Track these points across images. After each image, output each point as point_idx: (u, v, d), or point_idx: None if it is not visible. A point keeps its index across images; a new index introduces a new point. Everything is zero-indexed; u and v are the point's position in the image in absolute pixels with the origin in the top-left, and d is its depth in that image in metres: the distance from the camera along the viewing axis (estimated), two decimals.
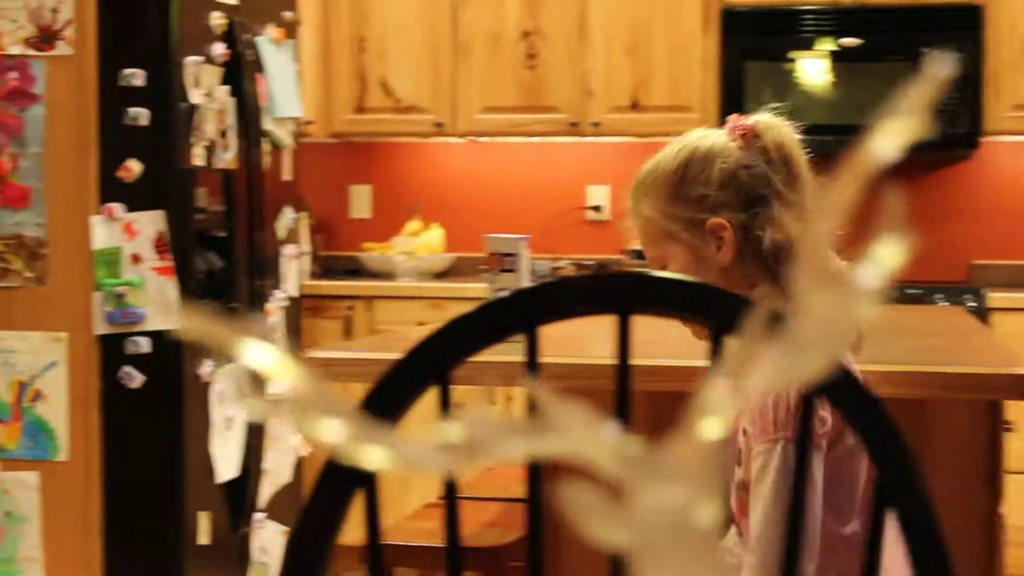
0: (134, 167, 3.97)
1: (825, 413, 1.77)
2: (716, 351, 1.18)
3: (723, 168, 1.98)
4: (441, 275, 5.68)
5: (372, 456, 0.58)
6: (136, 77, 3.96)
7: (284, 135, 4.68)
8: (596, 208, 5.83)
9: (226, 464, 4.26)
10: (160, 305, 3.99)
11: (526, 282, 2.45)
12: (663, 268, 1.96)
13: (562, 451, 0.56)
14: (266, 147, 4.49)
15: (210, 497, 4.20)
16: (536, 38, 5.46)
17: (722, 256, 1.95)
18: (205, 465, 4.16)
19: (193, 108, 4.05)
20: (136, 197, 3.95)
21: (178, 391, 4.04)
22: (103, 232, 3.99)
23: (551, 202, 5.80)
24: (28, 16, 3.98)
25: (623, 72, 5.41)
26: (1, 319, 4.04)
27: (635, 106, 5.42)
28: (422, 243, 5.66)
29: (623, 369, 1.17)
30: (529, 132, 5.56)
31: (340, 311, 5.25)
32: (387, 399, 1.15)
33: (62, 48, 3.97)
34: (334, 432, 0.59)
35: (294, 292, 4.84)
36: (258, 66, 4.43)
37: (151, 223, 3.97)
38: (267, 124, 4.50)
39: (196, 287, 4.09)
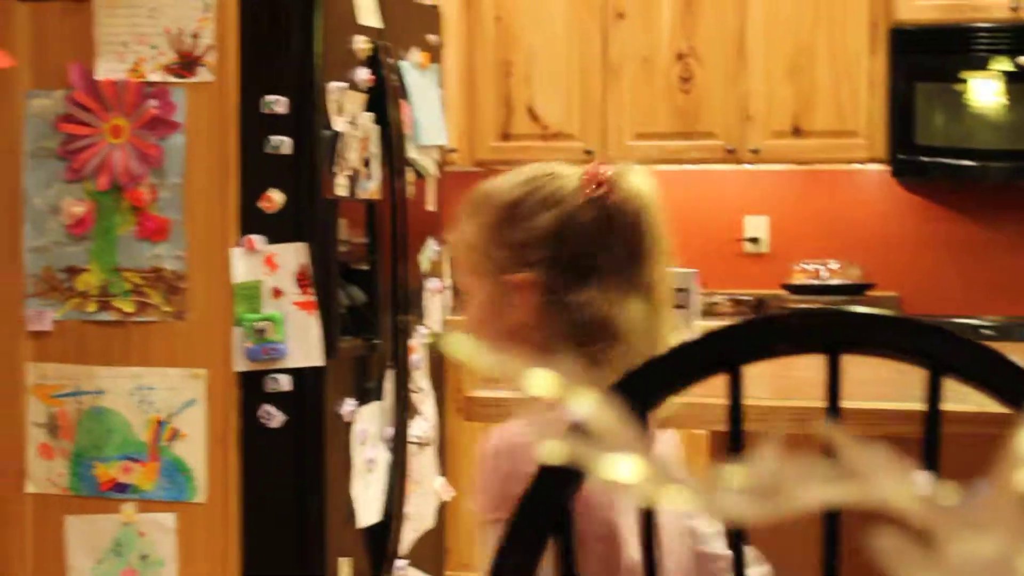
0: (276, 197, 3.97)
1: None
2: (934, 393, 1.12)
3: (556, 219, 1.86)
4: None
5: (671, 498, 0.58)
6: (278, 104, 3.98)
7: (428, 164, 4.67)
8: (754, 240, 5.74)
9: (367, 508, 4.25)
10: (301, 341, 3.99)
11: (697, 318, 2.39)
12: (468, 296, 1.85)
13: (866, 498, 0.56)
14: (410, 176, 4.48)
15: (351, 542, 4.19)
16: (691, 60, 5.40)
17: (518, 315, 1.82)
18: (346, 509, 4.15)
19: (336, 136, 4.05)
20: (277, 229, 3.95)
21: (319, 431, 4.03)
22: (243, 265, 4.00)
23: (706, 233, 5.72)
24: (168, 42, 4.02)
25: (784, 96, 5.32)
26: (139, 355, 4.08)
27: (797, 131, 5.33)
28: None
29: (833, 411, 1.11)
30: (683, 160, 5.50)
31: None
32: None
33: (203, 75, 4.01)
34: (627, 471, 0.58)
35: (438, 327, 4.82)
36: (402, 92, 4.42)
37: (293, 256, 3.98)
38: (411, 152, 4.49)
39: (338, 322, 4.08)
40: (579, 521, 1.49)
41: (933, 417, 1.16)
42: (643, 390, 1.13)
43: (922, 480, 0.54)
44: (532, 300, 1.83)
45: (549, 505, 1.16)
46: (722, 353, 1.12)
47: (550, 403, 1.37)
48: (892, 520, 0.55)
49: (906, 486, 0.55)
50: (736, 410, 1.13)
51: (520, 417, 1.74)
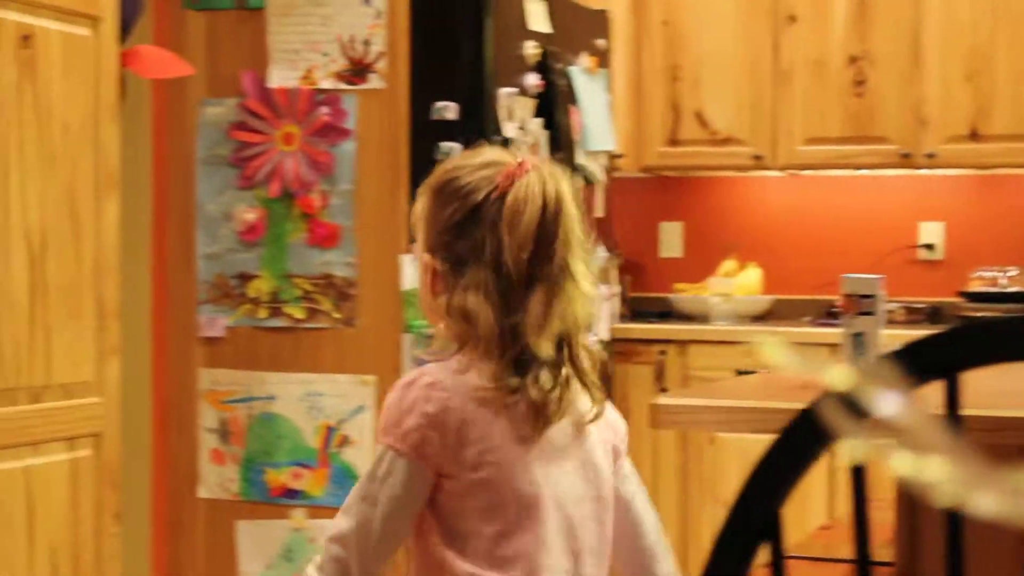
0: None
1: (433, 433, 1.91)
2: None
3: (460, 211, 1.98)
4: (759, 318, 5.59)
5: (982, 502, 0.57)
6: (448, 110, 4.02)
7: (596, 169, 4.69)
8: (929, 247, 5.65)
9: None
10: None
11: (882, 326, 2.36)
12: None
13: None
14: (578, 182, 4.50)
15: None
16: (864, 64, 5.34)
17: (426, 290, 2.02)
18: None
19: (506, 142, 4.08)
20: None
21: None
22: (413, 271, 4.05)
23: (879, 240, 5.65)
24: (340, 49, 4.09)
25: (962, 99, 5.23)
26: (308, 361, 4.15)
27: (975, 136, 5.23)
28: (738, 284, 5.59)
29: None
30: (856, 164, 5.43)
31: (651, 356, 5.21)
32: (791, 452, 1.11)
33: (374, 81, 4.07)
34: (938, 472, 0.57)
35: (605, 336, 4.83)
36: (571, 97, 4.44)
37: None
38: (579, 158, 4.51)
39: None
40: (452, 454, 1.91)
41: None
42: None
43: None
44: (432, 283, 2.01)
45: (760, 511, 1.17)
46: (937, 360, 1.10)
47: (461, 368, 1.73)
48: None
49: None
50: (955, 421, 1.11)
51: (437, 365, 1.97)
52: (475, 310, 1.92)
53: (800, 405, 1.17)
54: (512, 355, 1.94)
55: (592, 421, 2.02)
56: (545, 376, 1.95)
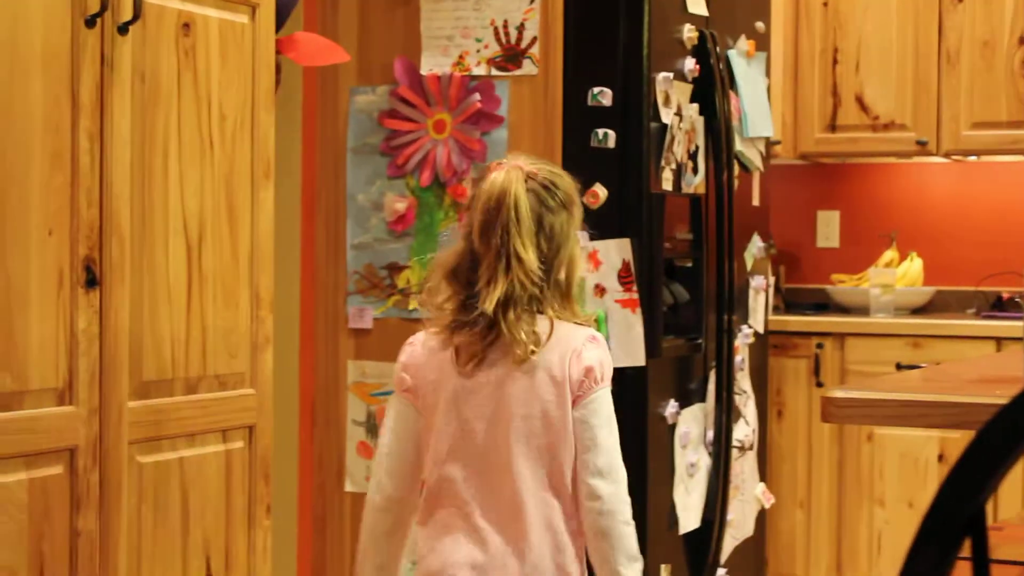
0: (600, 192, 4.04)
1: (405, 375, 2.71)
2: None
3: (471, 194, 2.80)
4: (920, 310, 5.54)
5: None
6: (604, 96, 4.04)
7: (754, 156, 4.68)
8: None
9: (689, 514, 4.28)
10: (624, 340, 4.03)
11: None
12: None
13: None
14: (735, 170, 4.50)
15: (671, 548, 4.22)
16: None
17: None
18: (667, 514, 4.19)
19: (663, 128, 4.09)
20: (601, 224, 4.01)
21: (641, 432, 4.07)
22: None
23: None
24: (493, 35, 4.13)
25: None
26: None
27: None
28: (900, 275, 5.55)
29: None
30: None
31: (808, 349, 5.19)
32: (997, 448, 1.12)
33: (527, 67, 4.10)
34: None
35: (760, 328, 4.83)
36: (729, 82, 4.44)
37: (617, 252, 4.04)
38: (737, 145, 4.51)
39: (661, 321, 4.12)
40: (416, 388, 2.68)
41: None
42: None
43: None
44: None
45: (962, 508, 1.18)
46: None
47: (439, 331, 2.62)
48: None
49: None
50: None
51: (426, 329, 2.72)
52: (436, 273, 2.71)
53: (988, 399, 1.18)
54: (462, 312, 2.63)
55: (512, 363, 2.60)
56: (477, 330, 2.61)
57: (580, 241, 2.76)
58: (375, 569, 2.74)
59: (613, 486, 2.59)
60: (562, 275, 2.65)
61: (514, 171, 2.62)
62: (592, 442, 2.60)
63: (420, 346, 2.69)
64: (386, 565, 2.74)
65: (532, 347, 2.57)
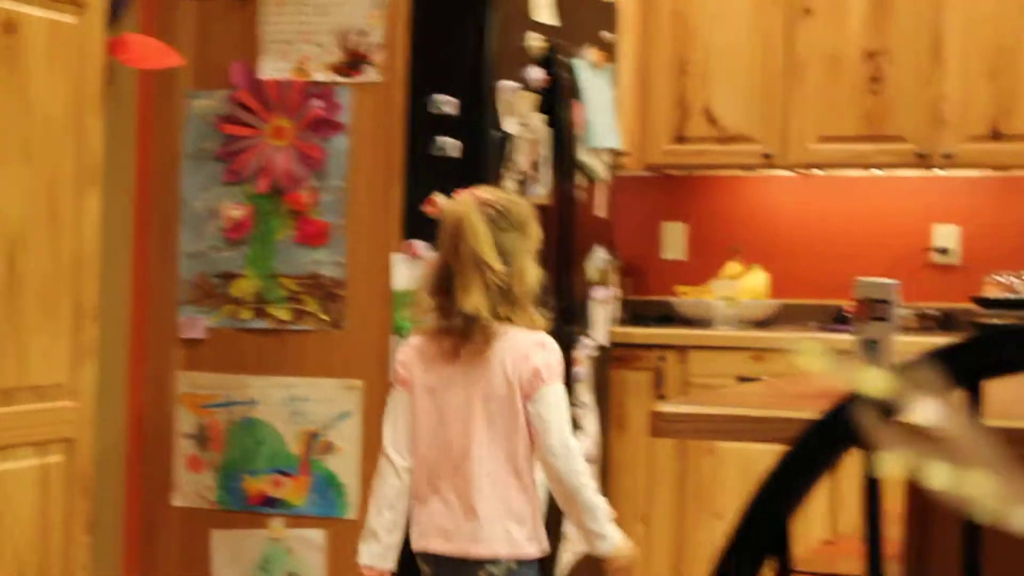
0: (441, 201, 4.03)
1: (400, 368, 3.25)
2: None
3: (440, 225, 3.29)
4: (763, 323, 5.62)
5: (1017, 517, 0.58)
6: (447, 104, 4.03)
7: (599, 167, 4.70)
8: (943, 251, 5.69)
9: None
10: None
11: (897, 331, 2.38)
12: None
13: None
14: (579, 180, 4.52)
15: None
16: (882, 60, 5.36)
17: None
18: None
19: (506, 138, 4.10)
20: None
21: None
22: (404, 272, 4.07)
23: (892, 243, 5.68)
24: (335, 40, 4.10)
25: (982, 97, 5.26)
26: (293, 364, 4.17)
27: (995, 135, 5.26)
28: (743, 287, 5.62)
29: None
30: (870, 164, 5.46)
31: (651, 362, 5.23)
32: (805, 462, 1.13)
33: (370, 74, 4.08)
34: (979, 486, 0.58)
35: (603, 340, 4.85)
36: (575, 92, 4.46)
37: None
38: (582, 155, 4.53)
39: None
40: (407, 381, 3.21)
41: None
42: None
43: None
44: None
45: (767, 525, 1.19)
46: (958, 369, 1.13)
47: (426, 334, 3.22)
48: None
49: None
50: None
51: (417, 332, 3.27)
52: (420, 288, 3.30)
53: (808, 414, 1.19)
54: (441, 319, 3.16)
55: (478, 361, 3.15)
56: (455, 332, 3.14)
57: (533, 259, 3.26)
58: (389, 527, 3.24)
59: (564, 461, 3.13)
60: (515, 286, 3.15)
61: (468, 197, 3.18)
62: (544, 429, 3.12)
63: (412, 346, 3.25)
64: (398, 523, 3.24)
65: (486, 345, 3.13)
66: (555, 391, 3.16)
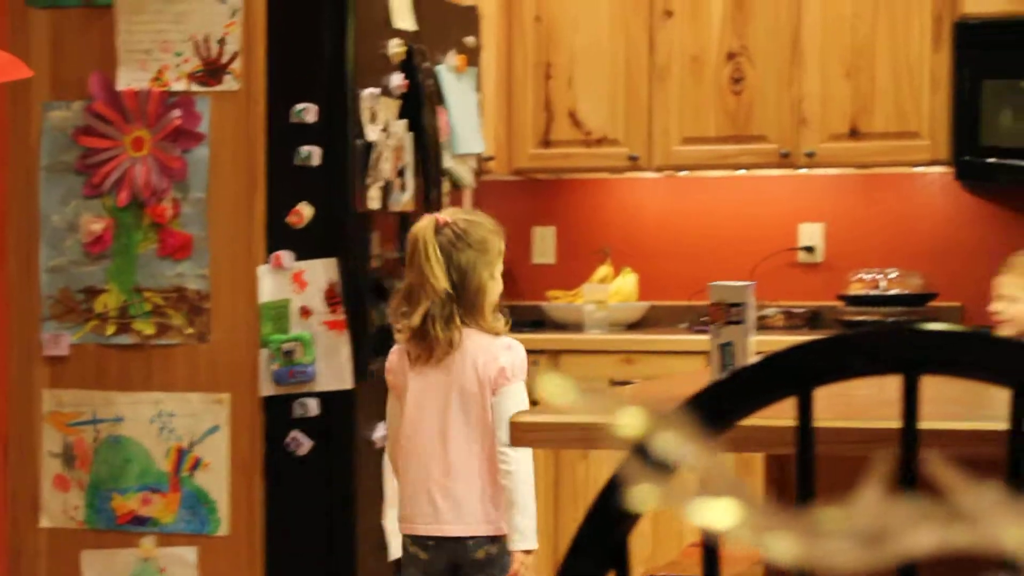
0: (305, 211, 4.04)
1: (389, 374, 3.67)
2: (1018, 413, 1.18)
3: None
4: (634, 326, 5.68)
5: (776, 545, 0.58)
6: (308, 112, 4.04)
7: (465, 173, 4.73)
8: (809, 249, 5.79)
9: (398, 540, 4.30)
10: (331, 363, 4.05)
11: (752, 333, 2.44)
12: None
13: (977, 541, 0.56)
14: (445, 187, 4.54)
15: (381, 574, 4.24)
16: (743, 60, 5.46)
17: None
18: (377, 540, 4.20)
19: (369, 145, 4.11)
20: (306, 244, 4.03)
21: (349, 458, 4.09)
22: (270, 283, 4.07)
23: (758, 243, 5.77)
24: (193, 49, 4.10)
25: (841, 96, 5.38)
26: (159, 380, 4.15)
27: (855, 134, 5.38)
28: (613, 291, 5.68)
29: (910, 435, 1.17)
30: (734, 165, 5.54)
31: None
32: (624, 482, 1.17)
33: (229, 83, 4.08)
34: (729, 516, 0.59)
35: None
36: (438, 98, 4.48)
37: (323, 272, 4.04)
38: (447, 161, 4.55)
39: (370, 342, 4.14)
40: (392, 383, 3.65)
41: (1018, 440, 1.19)
42: (709, 414, 1.18)
43: None
44: None
45: (605, 540, 1.22)
46: (791, 375, 1.16)
47: (402, 341, 3.67)
48: (1001, 564, 0.57)
49: (1020, 528, 0.56)
50: (807, 436, 1.18)
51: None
52: (393, 300, 3.71)
53: None
54: (408, 325, 3.56)
55: (449, 360, 3.58)
56: (416, 340, 3.56)
57: (497, 274, 3.67)
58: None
59: (512, 455, 3.47)
60: (473, 298, 3.57)
61: (428, 220, 3.59)
62: (499, 422, 3.46)
63: (395, 351, 3.65)
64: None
65: (450, 347, 3.55)
66: (516, 390, 3.57)
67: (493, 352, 3.59)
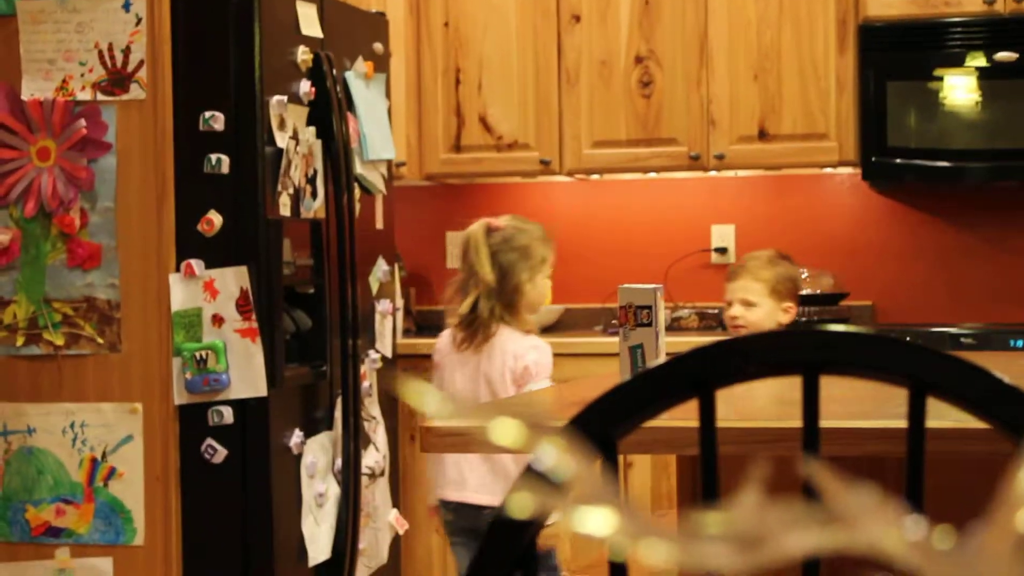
0: (215, 219, 4.02)
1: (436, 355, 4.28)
2: (915, 412, 1.18)
3: None
4: (549, 329, 5.68)
5: (651, 551, 0.59)
6: (216, 120, 4.02)
7: (376, 179, 4.72)
8: (721, 250, 5.82)
9: (318, 545, 4.29)
10: (244, 371, 4.02)
11: (663, 337, 2.44)
12: None
13: (854, 543, 0.56)
14: (356, 193, 4.53)
15: None
16: (651, 64, 5.47)
17: None
18: (296, 546, 4.19)
19: (278, 152, 4.09)
20: (217, 252, 4.00)
21: (265, 465, 4.07)
22: (181, 291, 4.04)
23: (671, 245, 5.80)
24: (98, 58, 4.06)
25: (749, 98, 5.40)
26: (71, 390, 4.10)
27: (763, 135, 5.41)
28: None
29: (811, 435, 1.17)
30: (645, 167, 5.56)
31: None
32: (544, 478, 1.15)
33: (135, 92, 4.04)
34: (605, 524, 0.59)
35: (389, 352, 4.87)
36: (347, 104, 4.47)
37: (234, 280, 4.02)
38: (358, 168, 4.54)
39: (283, 349, 4.13)
40: (439, 364, 4.27)
41: (917, 439, 1.19)
42: (609, 418, 1.18)
43: (913, 523, 0.56)
44: None
45: (510, 550, 1.22)
46: (693, 377, 1.17)
47: (452, 326, 4.27)
48: (881, 565, 0.57)
49: (897, 530, 0.56)
50: (710, 437, 1.18)
51: None
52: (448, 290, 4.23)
53: (564, 423, 1.22)
54: (457, 312, 4.10)
55: (484, 349, 4.08)
56: (463, 326, 4.08)
57: (538, 279, 4.10)
58: None
59: None
60: (510, 296, 4.03)
61: (480, 224, 4.10)
62: None
63: (444, 335, 4.17)
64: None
65: (487, 337, 4.00)
66: (539, 387, 3.92)
67: (523, 350, 4.02)
